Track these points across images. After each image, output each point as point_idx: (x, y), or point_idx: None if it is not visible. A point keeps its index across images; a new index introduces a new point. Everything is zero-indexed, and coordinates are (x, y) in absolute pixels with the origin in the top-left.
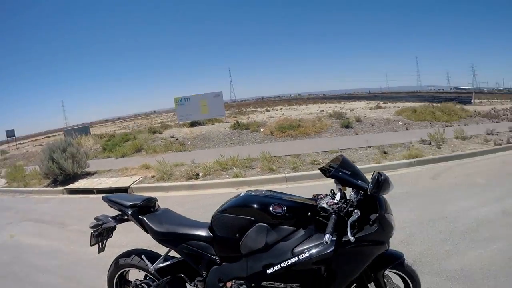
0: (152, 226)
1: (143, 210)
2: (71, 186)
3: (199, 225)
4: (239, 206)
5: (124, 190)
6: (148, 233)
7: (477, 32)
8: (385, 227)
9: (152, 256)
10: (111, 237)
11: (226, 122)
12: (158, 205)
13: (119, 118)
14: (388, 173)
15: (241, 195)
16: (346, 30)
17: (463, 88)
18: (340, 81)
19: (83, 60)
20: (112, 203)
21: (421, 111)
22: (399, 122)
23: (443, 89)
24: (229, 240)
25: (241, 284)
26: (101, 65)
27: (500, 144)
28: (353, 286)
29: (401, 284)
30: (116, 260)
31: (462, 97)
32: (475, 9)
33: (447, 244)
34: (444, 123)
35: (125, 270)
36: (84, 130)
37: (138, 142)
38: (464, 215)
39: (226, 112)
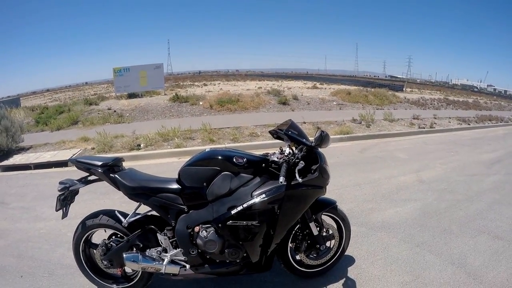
0: (124, 182)
1: (112, 169)
2: (5, 162)
3: (167, 179)
4: (206, 159)
5: (64, 163)
6: (119, 190)
7: (417, 27)
8: (324, 174)
9: (119, 215)
10: (73, 202)
11: (164, 94)
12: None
13: (48, 90)
14: (322, 148)
15: (206, 150)
16: (288, 10)
17: (397, 77)
18: (279, 60)
19: (4, 26)
20: (81, 164)
21: (355, 94)
22: (334, 102)
23: (378, 76)
24: (197, 189)
25: (208, 227)
26: (25, 34)
27: (424, 128)
28: (298, 226)
29: (335, 225)
30: (83, 223)
31: (395, 84)
32: (418, 5)
33: (371, 203)
34: (375, 106)
35: (90, 233)
36: (13, 102)
37: (74, 114)
38: (386, 181)
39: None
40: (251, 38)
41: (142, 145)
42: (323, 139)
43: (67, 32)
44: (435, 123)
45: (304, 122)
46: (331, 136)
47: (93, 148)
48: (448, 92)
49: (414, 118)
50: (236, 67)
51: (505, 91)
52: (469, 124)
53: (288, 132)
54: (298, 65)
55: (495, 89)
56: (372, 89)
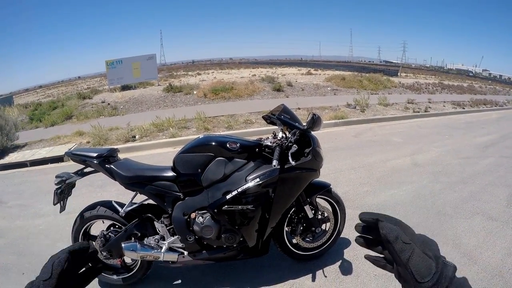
0: (120, 172)
1: (108, 160)
2: (1, 161)
3: (162, 167)
4: (200, 145)
5: (60, 159)
6: (115, 180)
7: (412, 11)
8: (317, 157)
9: (116, 205)
10: (71, 195)
11: (158, 85)
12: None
13: (40, 87)
14: (315, 132)
15: (199, 137)
16: None
17: (392, 62)
18: (273, 47)
19: None
20: (76, 156)
21: (350, 79)
22: (328, 88)
23: (373, 61)
24: (192, 176)
25: (204, 213)
26: (15, 31)
27: (418, 112)
28: (293, 209)
29: (330, 208)
30: (81, 215)
31: (390, 69)
32: None
33: (366, 186)
34: (370, 91)
35: (89, 225)
36: (6, 100)
37: (68, 109)
38: (380, 165)
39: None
40: (244, 26)
41: (137, 137)
42: (315, 122)
43: (57, 27)
44: (429, 107)
45: (299, 108)
46: (326, 122)
47: (88, 142)
48: (443, 77)
49: (408, 103)
50: (230, 56)
51: (500, 75)
52: (464, 108)
53: (280, 117)
54: (293, 52)
55: (490, 74)
56: (367, 74)
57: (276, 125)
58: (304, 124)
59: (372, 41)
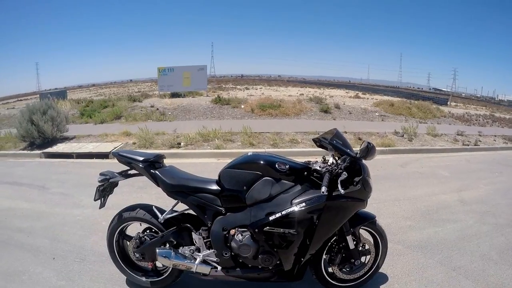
0: (164, 179)
1: (153, 165)
2: (49, 150)
3: (207, 180)
4: (249, 162)
5: (105, 155)
6: (158, 186)
7: (463, 39)
8: (366, 187)
9: (156, 211)
10: (112, 193)
11: (206, 96)
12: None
13: (93, 85)
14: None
15: (248, 154)
16: (332, 18)
17: (441, 90)
18: (321, 67)
19: (56, 23)
20: (122, 157)
21: (398, 105)
22: (376, 113)
23: (422, 88)
24: (236, 192)
25: (244, 231)
26: (75, 29)
27: (468, 145)
28: (334, 238)
29: (372, 240)
30: (120, 214)
31: (440, 98)
32: (465, 17)
33: (409, 220)
34: (418, 120)
35: (126, 225)
36: (61, 94)
37: (118, 109)
38: (426, 199)
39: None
40: (294, 44)
41: (182, 144)
42: (369, 151)
43: (114, 30)
44: (479, 141)
45: (345, 132)
46: None
47: (134, 143)
48: (494, 108)
49: (458, 134)
50: (278, 73)
51: None
52: None
53: (332, 141)
54: (340, 74)
55: None
56: (416, 102)
57: (325, 149)
58: (357, 151)
59: (422, 66)
